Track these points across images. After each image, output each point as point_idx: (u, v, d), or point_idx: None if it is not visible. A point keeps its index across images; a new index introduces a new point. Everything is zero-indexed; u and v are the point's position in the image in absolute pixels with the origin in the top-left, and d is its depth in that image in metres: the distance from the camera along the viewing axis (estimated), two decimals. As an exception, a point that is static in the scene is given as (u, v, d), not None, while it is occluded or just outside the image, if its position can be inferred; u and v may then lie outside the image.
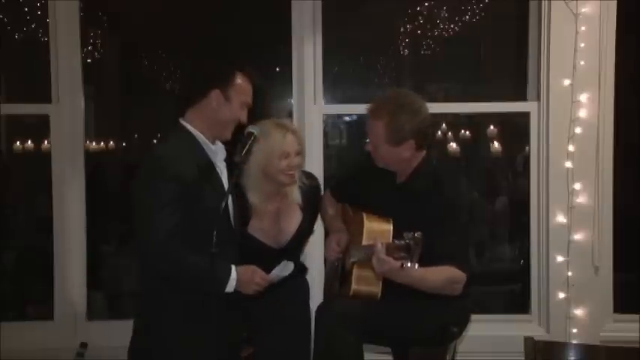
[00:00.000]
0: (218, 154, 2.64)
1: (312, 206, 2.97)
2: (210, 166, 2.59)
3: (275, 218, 2.90)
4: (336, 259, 2.88)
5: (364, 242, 2.64)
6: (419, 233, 2.31)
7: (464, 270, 2.58)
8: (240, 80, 2.59)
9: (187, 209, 2.46)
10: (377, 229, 2.66)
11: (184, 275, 2.49)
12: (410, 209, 2.64)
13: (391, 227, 2.66)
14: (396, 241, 2.40)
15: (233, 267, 2.52)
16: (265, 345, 2.82)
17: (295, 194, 2.91)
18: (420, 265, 2.40)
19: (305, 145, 2.93)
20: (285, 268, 2.66)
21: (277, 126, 2.85)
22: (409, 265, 2.33)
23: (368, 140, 2.74)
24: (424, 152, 2.73)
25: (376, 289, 2.64)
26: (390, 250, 2.40)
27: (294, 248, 2.91)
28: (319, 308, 2.75)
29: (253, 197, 2.86)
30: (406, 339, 2.70)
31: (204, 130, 2.59)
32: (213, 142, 2.62)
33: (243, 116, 2.62)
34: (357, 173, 2.94)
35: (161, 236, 2.42)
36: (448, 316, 2.67)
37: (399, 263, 2.37)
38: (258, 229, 2.86)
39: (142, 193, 2.50)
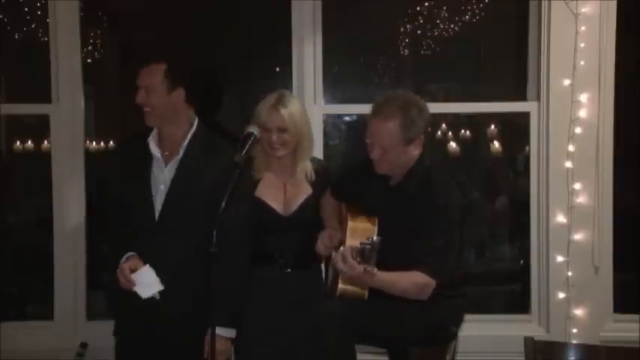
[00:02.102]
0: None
1: (323, 183, 2.96)
2: (143, 166, 2.78)
3: (282, 189, 2.91)
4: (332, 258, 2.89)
5: (347, 241, 2.65)
6: (378, 238, 2.31)
7: (433, 275, 2.54)
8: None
9: (109, 200, 2.82)
10: (360, 229, 2.66)
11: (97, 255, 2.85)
12: (400, 211, 2.64)
13: (375, 227, 2.66)
14: (358, 245, 2.39)
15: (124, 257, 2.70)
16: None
17: (303, 168, 2.91)
18: (398, 268, 2.44)
19: (297, 126, 2.86)
20: (145, 275, 2.66)
21: (273, 99, 2.86)
22: (369, 268, 2.32)
23: (371, 146, 2.65)
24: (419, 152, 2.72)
25: (363, 289, 2.64)
26: (353, 253, 2.39)
27: (302, 220, 2.89)
28: None
29: (258, 165, 2.91)
30: (397, 339, 2.70)
31: None
32: (162, 139, 2.80)
33: (136, 97, 2.77)
34: (352, 172, 2.94)
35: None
36: (438, 316, 2.67)
37: (362, 268, 2.36)
38: (265, 193, 2.87)
39: None
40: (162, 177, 2.78)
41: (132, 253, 2.72)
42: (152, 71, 2.75)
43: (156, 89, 2.74)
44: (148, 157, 2.79)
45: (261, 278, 2.86)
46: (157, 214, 2.75)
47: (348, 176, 2.96)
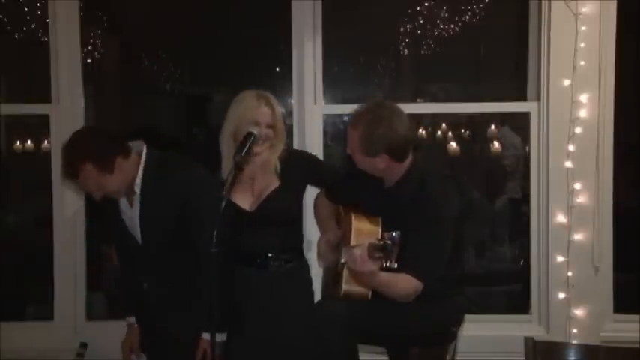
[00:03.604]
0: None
1: (289, 172, 2.93)
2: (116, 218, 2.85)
3: (250, 185, 2.91)
4: (331, 260, 2.89)
5: (352, 242, 2.65)
6: (397, 233, 2.30)
7: (421, 280, 2.56)
8: None
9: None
10: (365, 230, 2.67)
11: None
12: (394, 214, 2.64)
13: (379, 228, 2.66)
14: (375, 241, 2.39)
15: (131, 319, 2.95)
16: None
17: (272, 163, 2.91)
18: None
19: (280, 125, 2.89)
20: None
21: (256, 95, 2.88)
22: (388, 264, 2.33)
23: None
24: (408, 161, 2.72)
25: (366, 289, 2.64)
26: (369, 250, 2.40)
27: (269, 214, 2.87)
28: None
29: (226, 164, 2.87)
30: (398, 338, 2.71)
31: None
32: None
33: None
34: (349, 175, 2.94)
35: None
36: (439, 315, 2.68)
37: (374, 265, 2.36)
38: (233, 192, 2.81)
39: None
40: (132, 216, 2.79)
41: (132, 320, 2.96)
42: (82, 173, 2.62)
43: (91, 181, 2.65)
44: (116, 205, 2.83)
45: (242, 279, 2.86)
46: (140, 241, 2.82)
47: (346, 178, 2.96)
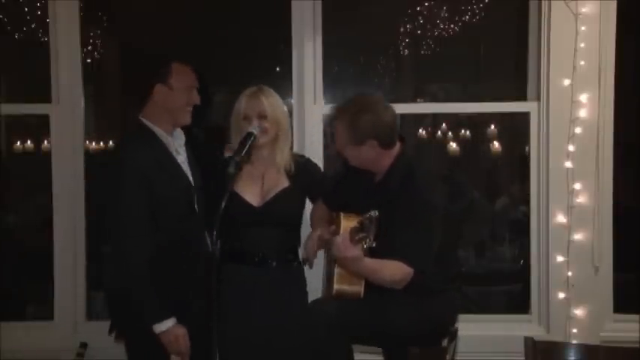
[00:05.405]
0: (176, 140, 2.81)
1: (302, 177, 2.96)
2: (169, 158, 2.74)
3: (260, 181, 2.92)
4: (312, 254, 2.92)
5: None
6: (374, 212, 2.34)
7: (412, 265, 2.58)
8: (176, 68, 2.74)
9: (152, 200, 2.63)
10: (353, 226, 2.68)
11: (131, 287, 2.63)
12: (384, 206, 2.64)
13: None
14: (355, 225, 2.44)
15: (169, 320, 2.62)
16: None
17: (282, 159, 2.92)
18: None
19: (277, 115, 2.89)
20: None
21: (248, 91, 2.91)
22: (367, 243, 2.37)
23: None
24: (396, 150, 2.74)
25: (358, 287, 2.65)
26: (351, 235, 2.44)
27: (275, 211, 2.88)
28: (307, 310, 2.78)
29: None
30: (392, 337, 2.71)
31: (162, 121, 2.76)
32: (172, 131, 2.79)
33: (193, 99, 2.78)
34: (340, 177, 2.95)
35: (128, 248, 2.62)
36: (432, 310, 2.68)
37: (357, 250, 2.42)
38: (241, 185, 2.86)
39: (110, 197, 2.68)
40: (183, 160, 2.81)
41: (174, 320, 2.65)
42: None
43: None
44: (166, 154, 2.75)
45: (238, 277, 2.86)
46: (195, 203, 2.78)
47: (338, 181, 2.97)
